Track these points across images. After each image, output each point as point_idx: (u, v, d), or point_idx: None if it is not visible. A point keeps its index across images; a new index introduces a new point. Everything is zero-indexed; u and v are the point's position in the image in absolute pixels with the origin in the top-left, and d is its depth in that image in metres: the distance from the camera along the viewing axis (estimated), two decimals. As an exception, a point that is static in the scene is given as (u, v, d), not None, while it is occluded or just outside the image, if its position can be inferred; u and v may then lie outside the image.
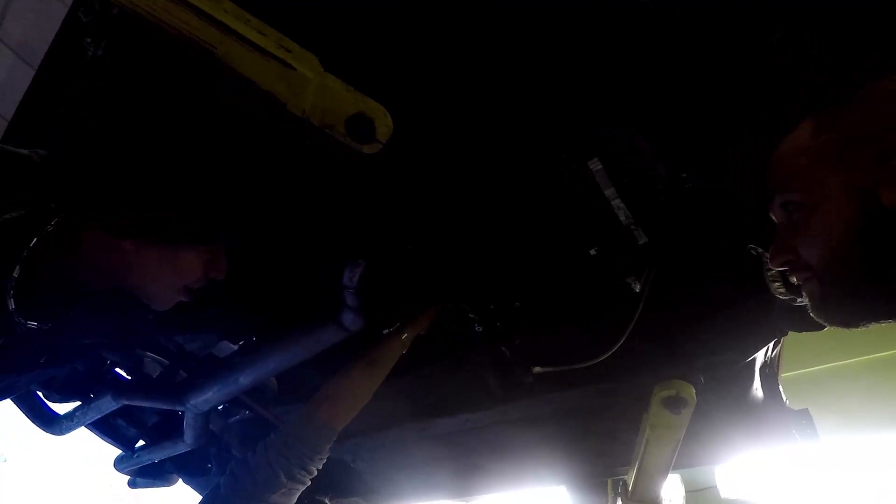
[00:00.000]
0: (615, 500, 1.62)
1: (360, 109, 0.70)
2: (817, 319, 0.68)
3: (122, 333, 1.35)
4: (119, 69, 0.75)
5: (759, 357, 1.20)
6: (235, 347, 1.60)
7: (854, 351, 2.36)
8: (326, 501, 1.62)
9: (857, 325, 0.65)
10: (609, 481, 1.75)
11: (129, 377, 1.68)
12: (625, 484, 1.45)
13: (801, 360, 2.43)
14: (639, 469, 1.28)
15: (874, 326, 0.70)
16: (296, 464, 1.08)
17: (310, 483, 1.14)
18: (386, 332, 1.27)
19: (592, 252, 1.08)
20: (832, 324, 0.68)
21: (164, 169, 0.91)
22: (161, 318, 1.15)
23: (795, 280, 0.72)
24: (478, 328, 1.25)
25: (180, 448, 1.66)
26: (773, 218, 0.74)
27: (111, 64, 0.73)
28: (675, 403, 1.09)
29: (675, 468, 1.58)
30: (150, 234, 0.91)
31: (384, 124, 0.72)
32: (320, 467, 1.15)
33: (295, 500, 1.13)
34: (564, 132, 0.90)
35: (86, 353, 1.49)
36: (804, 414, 1.36)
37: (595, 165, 0.89)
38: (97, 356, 1.57)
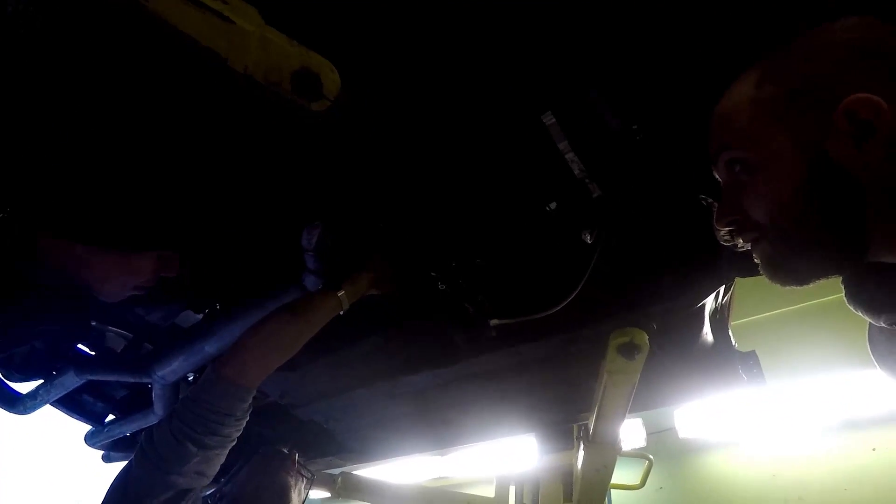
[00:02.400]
0: (579, 445, 1.70)
1: (305, 64, 0.68)
2: (770, 279, 0.68)
3: (76, 318, 1.36)
4: (43, 29, 0.71)
5: (710, 303, 1.26)
6: (199, 317, 1.58)
7: (795, 298, 2.50)
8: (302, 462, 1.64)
9: (808, 282, 0.65)
10: (574, 427, 1.83)
11: (93, 353, 1.66)
12: (586, 428, 1.53)
13: (748, 308, 2.56)
14: (598, 413, 1.34)
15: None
16: (203, 431, 0.98)
17: (233, 443, 1.05)
18: (316, 287, 1.21)
19: (551, 207, 1.09)
20: (785, 282, 0.67)
21: (114, 172, 0.93)
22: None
23: (742, 241, 0.70)
24: (441, 286, 1.26)
25: (151, 420, 1.65)
26: (718, 177, 0.72)
27: (34, 23, 0.68)
28: (629, 350, 1.14)
29: (635, 412, 1.67)
30: (101, 239, 0.95)
31: (331, 80, 0.70)
32: (241, 427, 1.06)
33: (219, 464, 1.05)
34: (517, 87, 0.90)
35: (40, 335, 1.47)
36: (751, 356, 1.44)
37: (548, 119, 0.89)
38: (56, 333, 1.54)
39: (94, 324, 1.56)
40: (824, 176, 0.59)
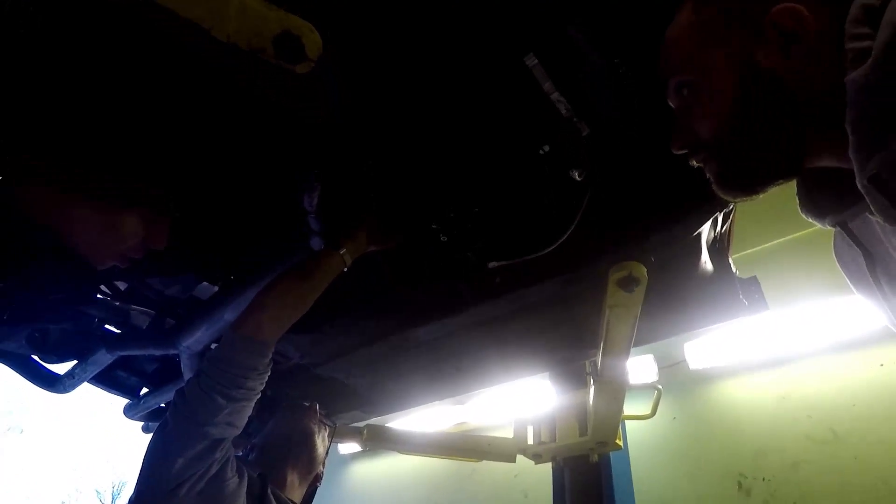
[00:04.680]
0: (590, 381, 1.77)
1: (286, 27, 0.70)
2: (722, 196, 0.72)
3: (81, 284, 1.37)
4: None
5: (707, 232, 1.29)
6: (216, 288, 1.64)
7: (797, 227, 2.51)
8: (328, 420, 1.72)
9: (756, 191, 0.69)
10: (586, 364, 1.89)
11: (120, 331, 1.74)
12: (594, 364, 1.59)
13: (754, 238, 2.58)
14: (604, 348, 1.40)
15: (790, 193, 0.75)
16: (229, 385, 1.06)
17: (258, 396, 1.14)
18: (320, 248, 1.26)
19: (544, 149, 1.11)
20: (735, 195, 0.71)
21: (98, 122, 0.89)
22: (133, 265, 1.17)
23: (695, 163, 0.74)
24: (442, 238, 1.29)
25: (182, 388, 1.75)
26: (671, 104, 0.76)
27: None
28: (628, 283, 1.18)
29: (641, 345, 1.73)
30: (89, 189, 0.90)
31: (312, 41, 0.72)
32: (264, 381, 1.14)
33: (247, 415, 1.13)
34: (496, 29, 0.90)
35: (57, 309, 1.51)
36: (752, 282, 1.47)
37: (531, 61, 0.90)
38: (82, 314, 1.61)
39: (117, 304, 1.64)
40: (758, 85, 0.63)
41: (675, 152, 0.75)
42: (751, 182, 0.69)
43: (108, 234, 0.97)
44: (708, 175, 0.73)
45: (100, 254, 1.00)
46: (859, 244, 0.68)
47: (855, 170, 0.54)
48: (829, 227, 0.72)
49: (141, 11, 0.64)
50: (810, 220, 0.72)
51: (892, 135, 0.51)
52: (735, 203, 1.16)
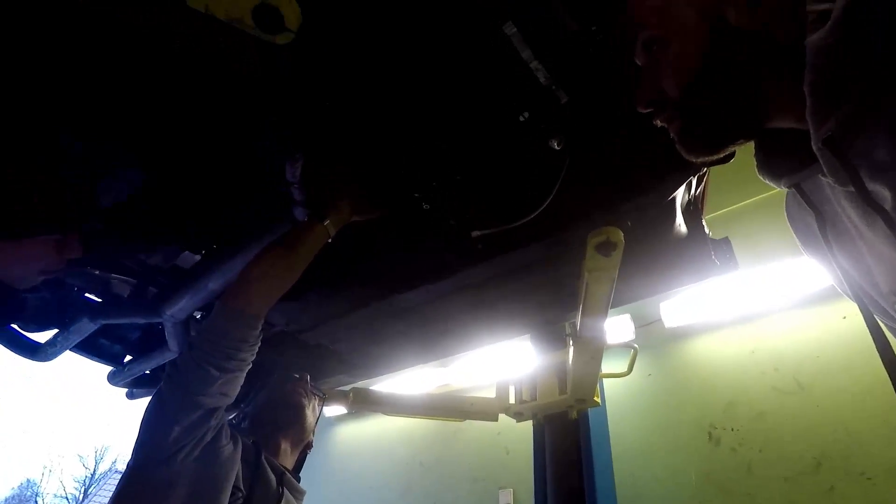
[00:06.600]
0: (569, 342, 1.83)
1: (264, -1, 0.69)
2: (686, 155, 0.71)
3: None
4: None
5: (682, 195, 1.32)
6: (198, 258, 1.64)
7: (758, 189, 2.56)
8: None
9: (720, 150, 0.69)
10: (566, 325, 1.96)
11: (101, 300, 1.73)
12: (573, 325, 1.64)
13: (724, 198, 2.65)
14: (583, 310, 1.44)
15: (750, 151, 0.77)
16: (222, 357, 1.09)
17: (249, 367, 1.16)
18: (304, 219, 1.27)
19: (524, 116, 1.12)
20: (698, 154, 0.70)
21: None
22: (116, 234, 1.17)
23: (659, 122, 0.74)
24: (425, 206, 1.31)
25: (168, 356, 1.76)
26: (638, 62, 0.75)
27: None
28: (606, 247, 1.21)
29: (619, 306, 1.78)
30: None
31: (292, 11, 0.71)
32: (254, 352, 1.17)
33: (239, 385, 1.16)
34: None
35: None
36: (724, 242, 1.52)
37: (510, 29, 0.90)
38: (61, 283, 1.60)
39: (97, 272, 1.62)
40: (727, 42, 0.64)
41: (640, 110, 0.74)
42: (714, 140, 0.69)
43: (20, 262, 0.98)
44: (672, 134, 0.73)
45: (20, 279, 1.01)
46: (811, 204, 0.70)
47: (811, 132, 0.56)
48: (784, 189, 0.74)
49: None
50: (766, 181, 0.74)
51: (845, 98, 0.52)
52: (705, 165, 1.18)
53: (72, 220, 1.02)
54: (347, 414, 4.20)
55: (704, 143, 0.70)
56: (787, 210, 0.82)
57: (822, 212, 0.70)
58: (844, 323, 2.31)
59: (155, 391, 1.11)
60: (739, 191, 2.71)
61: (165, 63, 0.94)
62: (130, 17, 0.77)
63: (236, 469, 1.19)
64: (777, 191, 0.76)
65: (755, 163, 0.75)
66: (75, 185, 1.01)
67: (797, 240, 0.82)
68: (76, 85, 1.00)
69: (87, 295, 1.71)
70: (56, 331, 1.74)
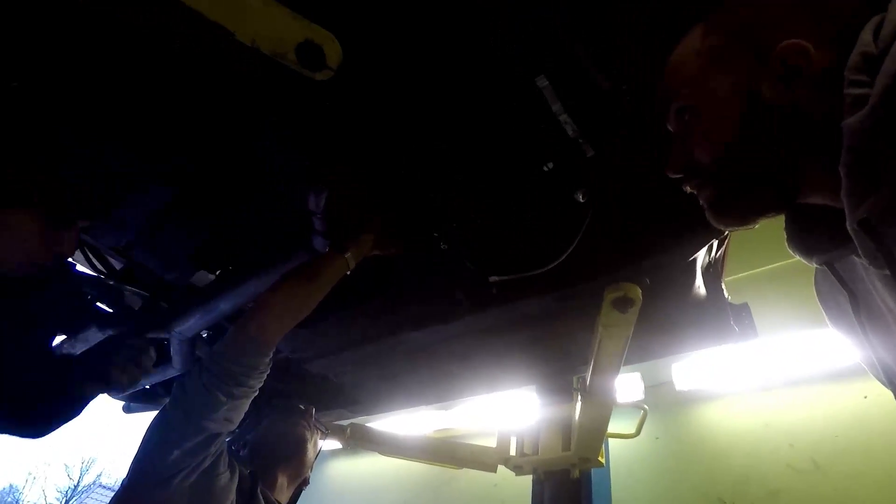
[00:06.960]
0: (577, 396, 1.78)
1: (309, 36, 0.72)
2: (715, 224, 0.71)
3: None
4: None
5: (702, 257, 1.30)
6: (212, 277, 1.65)
7: (780, 255, 2.52)
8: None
9: (750, 222, 0.69)
10: (574, 379, 1.91)
11: (111, 310, 1.74)
12: (583, 380, 1.60)
13: (743, 262, 2.61)
14: (594, 365, 1.41)
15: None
16: (231, 383, 1.08)
17: (255, 394, 1.15)
18: (324, 249, 1.27)
19: (548, 167, 1.13)
20: (728, 224, 0.70)
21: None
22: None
23: (689, 189, 0.73)
24: (443, 246, 1.31)
25: (170, 373, 1.75)
26: (670, 128, 0.76)
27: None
28: (623, 304, 1.19)
29: (631, 364, 1.74)
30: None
31: (334, 51, 0.74)
32: (263, 379, 1.16)
33: (244, 411, 1.14)
34: (511, 52, 0.92)
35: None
36: (744, 308, 1.49)
37: (542, 82, 0.92)
38: (77, 291, 1.61)
39: (111, 283, 1.64)
40: (761, 116, 0.63)
41: (670, 176, 0.75)
42: (745, 212, 0.69)
43: (9, 241, 0.97)
44: (702, 202, 0.73)
45: (8, 263, 0.99)
46: (844, 285, 0.69)
47: (846, 212, 0.56)
48: (815, 266, 0.73)
49: (168, 10, 0.65)
50: (797, 256, 0.73)
51: (883, 181, 0.52)
52: (729, 231, 1.17)
53: (68, 217, 1.02)
54: (342, 449, 4.11)
55: (736, 214, 0.70)
56: (816, 286, 0.81)
57: (856, 292, 0.68)
58: (865, 403, 2.23)
59: (159, 411, 1.09)
60: (761, 255, 2.68)
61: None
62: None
63: (230, 500, 1.16)
64: (797, 259, 0.75)
65: (785, 235, 0.74)
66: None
67: (826, 316, 0.80)
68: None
69: (97, 304, 1.72)
70: (64, 337, 1.74)
